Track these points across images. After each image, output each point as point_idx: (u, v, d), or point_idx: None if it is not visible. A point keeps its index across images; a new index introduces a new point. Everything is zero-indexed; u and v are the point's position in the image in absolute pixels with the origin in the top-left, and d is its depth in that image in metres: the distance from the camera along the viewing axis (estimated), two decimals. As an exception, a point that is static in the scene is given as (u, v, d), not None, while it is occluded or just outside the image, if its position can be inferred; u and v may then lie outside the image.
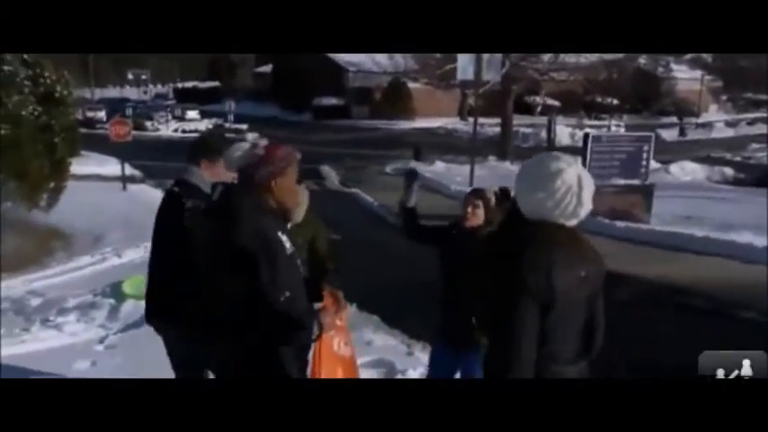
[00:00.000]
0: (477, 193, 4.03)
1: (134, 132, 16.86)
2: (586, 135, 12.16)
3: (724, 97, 55.09)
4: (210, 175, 3.38)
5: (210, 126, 33.43)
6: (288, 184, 2.63)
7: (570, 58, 23.89)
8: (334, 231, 9.51)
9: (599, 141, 11.78)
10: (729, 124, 42.16)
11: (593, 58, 26.43)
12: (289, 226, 3.42)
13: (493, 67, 17.12)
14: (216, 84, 59.70)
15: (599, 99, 43.61)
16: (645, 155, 11.84)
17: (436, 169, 19.43)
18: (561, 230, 1.91)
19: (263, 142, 2.64)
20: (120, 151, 16.24)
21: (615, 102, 43.28)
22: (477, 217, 3.95)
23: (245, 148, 2.63)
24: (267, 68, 53.71)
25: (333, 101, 41.19)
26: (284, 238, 2.53)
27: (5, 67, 7.82)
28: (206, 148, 3.53)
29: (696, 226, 11.37)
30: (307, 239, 3.81)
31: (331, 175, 19.30)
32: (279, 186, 2.59)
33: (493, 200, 4.04)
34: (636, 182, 11.96)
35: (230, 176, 3.38)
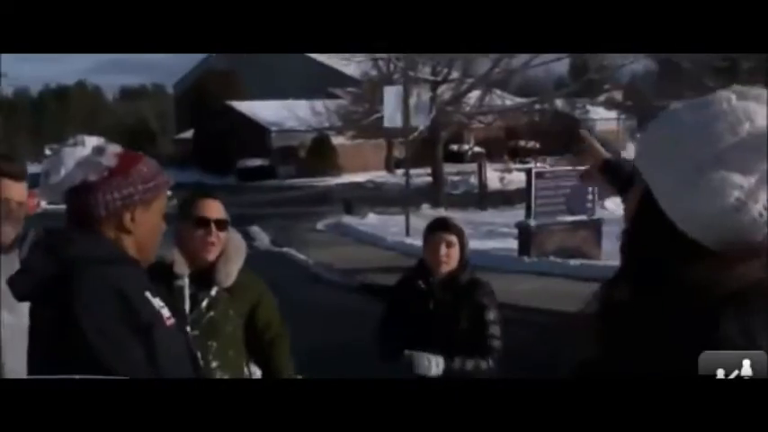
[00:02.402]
0: (448, 227, 3.09)
1: (48, 206, 15.65)
2: (529, 171, 11.67)
3: (639, 135, 56.76)
4: None
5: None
6: (152, 221, 1.66)
7: (496, 101, 23.86)
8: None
9: (543, 177, 11.26)
10: (650, 160, 43.10)
11: (517, 100, 26.59)
12: (214, 291, 2.49)
13: (421, 113, 16.66)
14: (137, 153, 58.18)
15: (522, 143, 44.17)
16: (590, 189, 11.40)
17: (369, 222, 18.76)
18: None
19: (114, 148, 1.64)
20: (33, 222, 15.01)
21: (538, 145, 43.88)
22: (453, 259, 3.05)
23: (82, 153, 1.60)
24: (188, 134, 52.63)
25: (257, 162, 40.33)
26: (157, 301, 1.55)
27: None
28: None
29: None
30: (242, 312, 2.58)
31: (261, 235, 18.41)
32: (138, 223, 1.62)
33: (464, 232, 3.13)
34: (583, 217, 11.48)
35: None
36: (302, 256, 14.58)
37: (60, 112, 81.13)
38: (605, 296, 1.07)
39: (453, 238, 3.05)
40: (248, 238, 17.95)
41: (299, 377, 2.67)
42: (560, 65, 30.45)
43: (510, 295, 8.75)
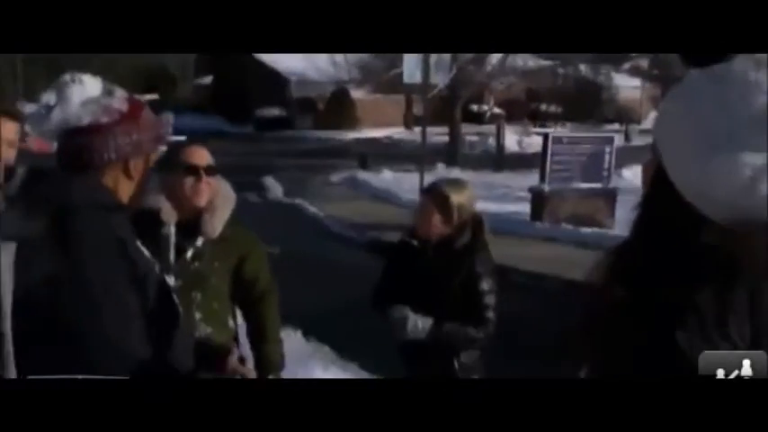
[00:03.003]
0: (429, 191, 3.06)
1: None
2: (546, 135, 11.55)
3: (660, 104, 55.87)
4: None
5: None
6: (148, 169, 1.63)
7: (517, 62, 23.50)
8: (274, 244, 8.53)
9: (560, 143, 11.14)
10: (671, 130, 42.50)
11: (539, 62, 26.18)
12: (200, 242, 2.46)
13: (441, 70, 16.43)
14: (155, 96, 58.05)
15: (543, 107, 43.69)
16: (608, 157, 11.25)
17: (384, 177, 18.70)
18: None
19: (121, 92, 1.56)
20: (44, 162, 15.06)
21: (559, 110, 43.41)
22: (432, 224, 2.97)
23: (89, 93, 1.51)
24: (208, 80, 52.37)
25: (275, 111, 40.17)
26: (146, 251, 1.55)
27: None
28: None
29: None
30: (230, 264, 2.55)
31: (274, 186, 18.43)
32: (140, 171, 1.58)
33: (454, 197, 2.98)
34: (598, 185, 11.37)
35: None
36: (314, 209, 14.57)
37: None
38: (611, 265, 1.03)
39: (429, 203, 3.00)
40: (262, 188, 18.08)
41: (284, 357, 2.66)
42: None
43: (519, 260, 8.74)
